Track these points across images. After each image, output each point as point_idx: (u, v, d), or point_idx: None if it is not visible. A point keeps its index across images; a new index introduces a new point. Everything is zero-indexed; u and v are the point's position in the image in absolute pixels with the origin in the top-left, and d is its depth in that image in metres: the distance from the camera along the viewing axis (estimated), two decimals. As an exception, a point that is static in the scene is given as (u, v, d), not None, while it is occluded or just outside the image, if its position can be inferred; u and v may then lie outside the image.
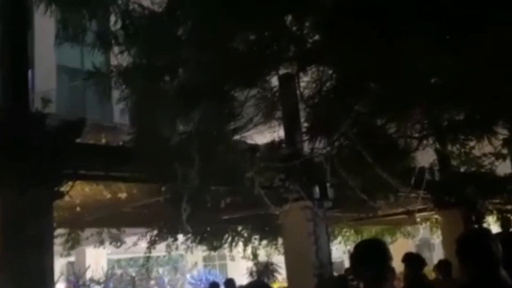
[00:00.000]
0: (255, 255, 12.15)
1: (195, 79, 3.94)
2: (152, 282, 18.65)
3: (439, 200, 10.02)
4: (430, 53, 2.95)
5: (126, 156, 4.74)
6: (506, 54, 2.86)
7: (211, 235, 11.37)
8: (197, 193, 5.31)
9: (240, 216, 9.94)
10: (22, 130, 5.10)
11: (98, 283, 14.87)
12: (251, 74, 3.93)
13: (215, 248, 11.97)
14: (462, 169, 9.14)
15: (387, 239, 14.71)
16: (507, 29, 2.66)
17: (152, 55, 3.82)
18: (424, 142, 4.70)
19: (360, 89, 3.72)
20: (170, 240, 11.17)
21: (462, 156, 8.16)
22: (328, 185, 7.49)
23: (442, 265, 7.75)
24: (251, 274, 12.19)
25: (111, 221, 9.96)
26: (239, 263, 14.51)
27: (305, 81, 4.20)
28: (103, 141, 6.97)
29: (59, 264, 15.36)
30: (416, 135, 4.48)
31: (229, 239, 11.73)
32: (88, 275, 14.60)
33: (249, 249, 12.20)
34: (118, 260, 20.52)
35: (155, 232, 10.90)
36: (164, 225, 10.43)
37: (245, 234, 11.77)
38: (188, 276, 21.26)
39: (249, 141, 5.46)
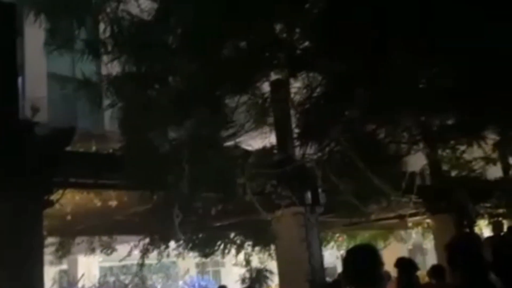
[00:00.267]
0: (248, 262, 12.10)
1: (186, 86, 3.93)
2: (145, 290, 18.54)
3: (431, 204, 10.05)
4: (419, 60, 2.97)
5: (117, 164, 4.71)
6: (493, 61, 2.88)
7: (203, 242, 11.32)
8: (188, 200, 5.29)
9: (232, 223, 9.90)
10: (11, 138, 5.06)
11: (91, 291, 14.80)
12: (242, 80, 3.93)
13: (207, 255, 11.91)
14: (453, 174, 9.18)
15: (380, 243, 14.71)
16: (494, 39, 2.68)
17: (141, 63, 3.81)
18: (415, 147, 4.72)
19: (350, 95, 3.73)
20: (162, 247, 11.10)
21: (453, 161, 8.20)
22: (320, 190, 7.48)
23: (436, 270, 7.76)
24: (243, 281, 12.12)
25: (102, 229, 9.90)
26: (232, 269, 14.44)
27: (296, 87, 4.21)
28: (93, 148, 6.94)
29: (52, 272, 15.28)
30: (407, 140, 4.50)
31: (222, 246, 11.67)
32: (81, 283, 14.50)
33: (241, 256, 12.15)
34: (111, 268, 20.40)
35: (147, 240, 10.84)
36: (155, 232, 10.38)
37: (238, 241, 11.73)
38: (180, 282, 21.16)
39: (242, 147, 5.45)
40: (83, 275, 14.61)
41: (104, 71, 4.15)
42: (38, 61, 11.53)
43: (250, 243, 11.63)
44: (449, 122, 4.10)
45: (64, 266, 15.54)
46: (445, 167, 9.01)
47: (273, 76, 4.34)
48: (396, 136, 4.41)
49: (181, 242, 10.92)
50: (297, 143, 4.59)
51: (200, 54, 3.63)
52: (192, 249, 11.34)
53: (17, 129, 5.18)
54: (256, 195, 6.00)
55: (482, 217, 10.95)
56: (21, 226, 5.04)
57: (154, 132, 4.24)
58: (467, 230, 9.74)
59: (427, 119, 4.17)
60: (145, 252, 11.02)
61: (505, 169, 9.25)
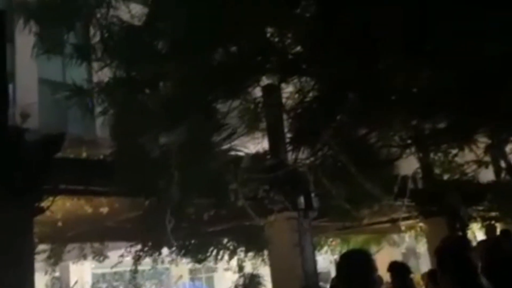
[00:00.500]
0: (240, 267, 12.06)
1: (177, 92, 3.91)
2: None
3: (423, 208, 10.06)
4: (409, 64, 2.97)
5: (108, 170, 4.68)
6: (483, 65, 2.88)
7: (196, 247, 11.28)
8: (180, 206, 5.26)
9: (225, 228, 9.87)
10: (1, 145, 5.02)
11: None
12: (233, 85, 3.92)
13: (200, 261, 11.87)
14: (445, 177, 9.19)
15: (373, 247, 14.72)
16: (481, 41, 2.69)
17: (131, 68, 3.79)
18: (407, 150, 4.72)
19: (341, 99, 3.73)
20: (155, 254, 11.06)
21: (445, 164, 8.21)
22: (312, 195, 7.47)
23: (432, 274, 7.76)
24: (236, 287, 12.08)
25: (93, 235, 9.85)
26: (225, 275, 14.39)
27: (288, 92, 4.20)
28: (84, 155, 6.90)
29: (44, 279, 15.17)
30: (399, 144, 4.50)
31: (214, 252, 11.64)
32: (73, 290, 14.42)
33: (234, 261, 12.12)
34: (103, 275, 20.30)
35: (139, 246, 10.79)
36: (147, 238, 10.33)
37: (231, 247, 11.69)
38: (173, 288, 21.12)
39: (234, 152, 5.43)
40: (76, 282, 14.52)
41: (95, 77, 4.13)
42: (29, 67, 11.48)
43: (243, 248, 11.61)
44: (441, 125, 4.10)
45: (57, 273, 15.43)
46: (437, 171, 9.02)
47: (265, 81, 4.33)
48: (388, 140, 4.40)
49: (174, 248, 10.87)
50: (289, 147, 4.58)
51: (191, 59, 3.62)
52: (185, 255, 11.30)
53: (7, 136, 5.14)
54: (248, 200, 5.97)
55: (475, 220, 10.98)
56: (11, 233, 4.99)
57: (145, 137, 4.21)
58: (460, 233, 9.75)
59: (419, 123, 4.17)
60: (137, 259, 10.97)
61: (497, 172, 9.26)
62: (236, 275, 12.26)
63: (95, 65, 3.95)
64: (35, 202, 5.27)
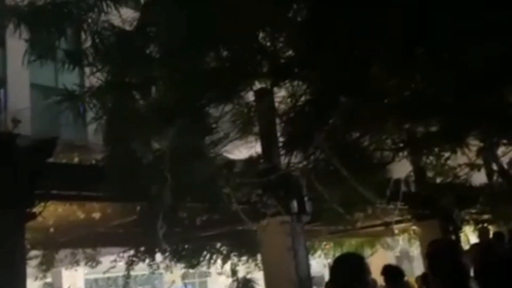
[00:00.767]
0: (234, 272, 12.04)
1: (169, 96, 3.90)
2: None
3: (416, 211, 10.09)
4: (406, 65, 2.97)
5: (100, 175, 4.65)
6: (476, 68, 2.89)
7: (189, 252, 11.25)
8: (173, 210, 5.24)
9: (218, 233, 9.85)
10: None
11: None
12: (225, 89, 3.91)
13: (193, 266, 11.84)
14: (438, 180, 9.22)
15: (367, 251, 14.73)
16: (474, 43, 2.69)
17: (123, 73, 3.77)
18: (399, 154, 4.72)
19: (334, 103, 3.73)
20: (148, 259, 11.02)
21: (438, 167, 8.23)
22: (305, 199, 7.47)
23: (426, 277, 7.78)
24: (229, 291, 12.08)
25: (85, 241, 9.80)
26: (219, 279, 14.36)
27: (281, 96, 4.20)
28: (76, 160, 6.87)
29: (36, 285, 15.09)
30: (391, 147, 4.51)
31: (208, 256, 11.61)
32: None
33: (228, 266, 12.10)
34: (96, 280, 20.20)
35: (132, 252, 10.75)
36: (140, 244, 10.29)
37: (224, 251, 11.67)
38: (167, 293, 21.02)
39: (227, 156, 5.42)
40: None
41: (86, 82, 4.11)
42: (21, 72, 11.43)
43: (236, 253, 11.59)
44: (433, 128, 4.11)
45: (49, 279, 15.34)
46: (430, 174, 9.05)
47: (258, 85, 4.32)
48: (381, 143, 4.41)
49: (167, 253, 10.84)
50: (282, 151, 4.57)
51: (183, 63, 3.61)
52: (178, 260, 11.27)
53: (-2, 141, 5.11)
54: (241, 204, 5.96)
55: (468, 223, 11.02)
56: (2, 239, 4.95)
57: (137, 142, 4.19)
58: (453, 236, 9.78)
59: (411, 126, 4.18)
60: (130, 264, 10.93)
61: (490, 175, 9.30)
62: (230, 280, 12.24)
63: (87, 70, 3.93)
64: (27, 208, 5.24)
